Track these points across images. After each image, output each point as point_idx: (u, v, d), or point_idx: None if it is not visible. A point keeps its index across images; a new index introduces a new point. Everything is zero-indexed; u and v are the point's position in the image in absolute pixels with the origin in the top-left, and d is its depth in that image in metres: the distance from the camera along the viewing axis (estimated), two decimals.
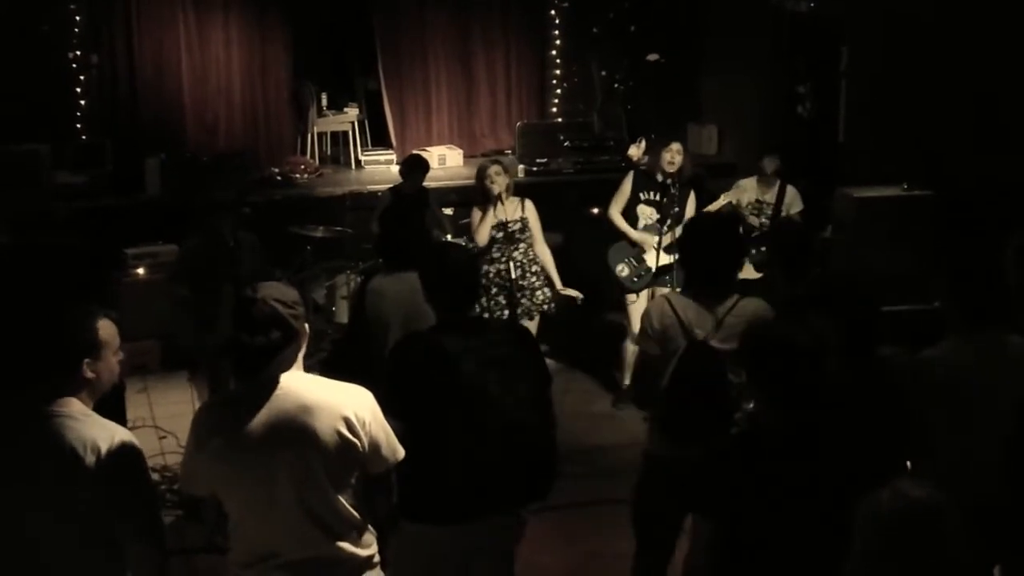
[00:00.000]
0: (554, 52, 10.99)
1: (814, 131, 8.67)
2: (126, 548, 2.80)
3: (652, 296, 6.68)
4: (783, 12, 8.97)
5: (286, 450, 2.83)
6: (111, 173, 8.92)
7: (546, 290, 6.35)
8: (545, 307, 6.34)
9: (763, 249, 6.74)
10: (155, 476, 5.55)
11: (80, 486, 2.71)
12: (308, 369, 3.02)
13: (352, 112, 10.50)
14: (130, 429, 3.16)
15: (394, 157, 10.25)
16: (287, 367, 2.90)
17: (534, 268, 6.33)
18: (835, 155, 8.43)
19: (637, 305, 6.71)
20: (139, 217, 8.40)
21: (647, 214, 6.70)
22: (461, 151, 10.36)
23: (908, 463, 3.50)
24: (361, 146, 10.50)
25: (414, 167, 7.73)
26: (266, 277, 4.06)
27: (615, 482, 5.63)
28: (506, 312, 6.15)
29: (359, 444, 2.90)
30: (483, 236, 6.24)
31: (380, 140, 10.77)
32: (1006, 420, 3.29)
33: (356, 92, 10.81)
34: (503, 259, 6.24)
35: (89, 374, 2.84)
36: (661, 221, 6.57)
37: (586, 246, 7.79)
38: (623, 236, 6.74)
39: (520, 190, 6.69)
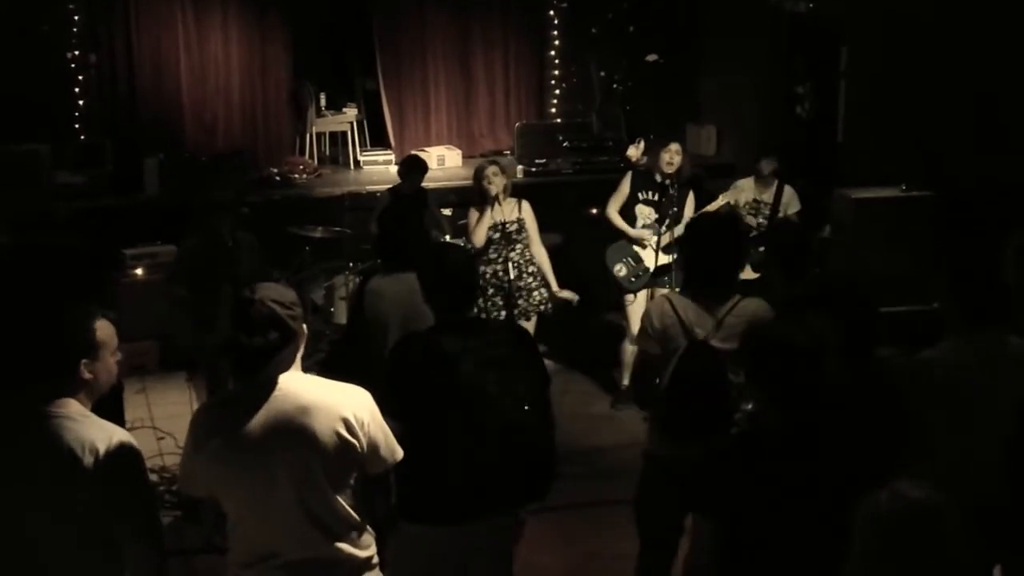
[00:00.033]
0: (553, 52, 10.99)
1: (813, 131, 8.68)
2: (124, 549, 2.79)
3: (651, 296, 6.69)
4: (782, 12, 8.96)
5: (285, 451, 2.83)
6: (110, 173, 8.92)
7: (543, 291, 6.35)
8: (542, 308, 6.34)
9: (761, 249, 6.75)
10: (153, 477, 5.55)
11: (78, 487, 2.71)
12: (307, 370, 3.01)
13: (351, 112, 10.49)
14: (128, 430, 3.15)
15: (393, 157, 10.24)
16: (285, 368, 2.90)
17: (531, 269, 6.33)
18: (834, 155, 8.43)
19: (635, 305, 6.72)
20: (138, 217, 8.40)
21: (645, 214, 6.71)
22: (460, 151, 10.36)
23: (908, 463, 3.50)
24: (360, 146, 10.49)
25: (412, 168, 7.73)
26: (264, 277, 4.06)
27: (614, 483, 5.64)
28: (503, 313, 6.15)
29: (358, 445, 2.90)
30: (480, 237, 6.24)
31: (379, 140, 10.76)
32: (1006, 420, 3.29)
33: (355, 92, 10.79)
34: (500, 260, 6.24)
35: (87, 375, 2.83)
36: (659, 221, 6.58)
37: (585, 246, 7.79)
38: (622, 235, 6.75)
39: (519, 191, 6.69)
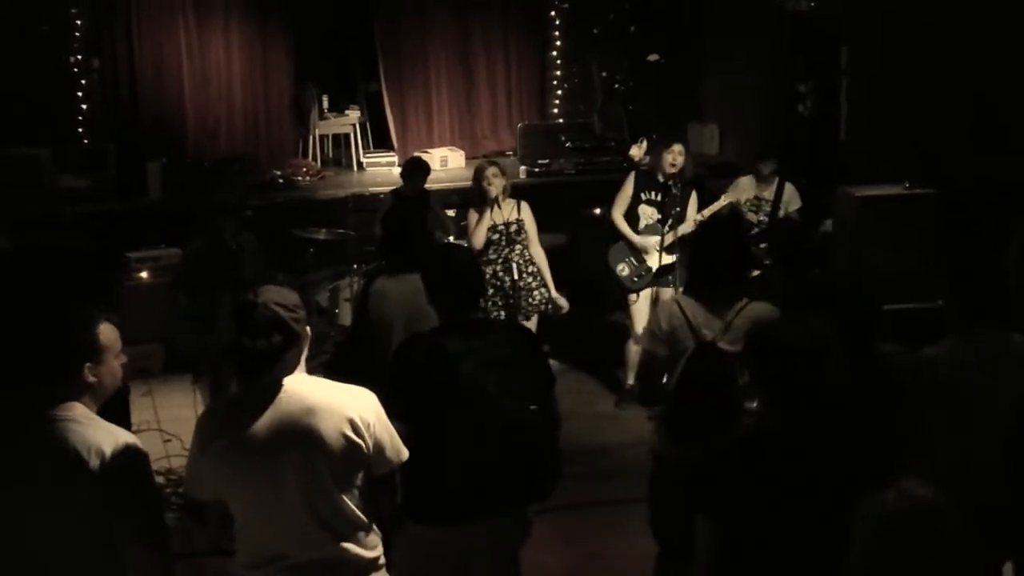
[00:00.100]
0: (555, 53, 11.00)
1: (815, 130, 8.67)
2: (128, 551, 2.79)
3: (655, 296, 6.70)
4: (783, 12, 8.97)
5: (292, 452, 2.84)
6: (114, 177, 8.94)
7: (543, 290, 6.37)
8: (542, 307, 6.35)
9: (762, 246, 6.77)
10: (160, 479, 5.56)
11: (83, 488, 2.72)
12: (311, 371, 3.03)
13: (353, 115, 10.51)
14: (134, 432, 3.16)
15: (396, 159, 10.26)
16: (290, 370, 2.91)
17: (530, 269, 6.35)
18: (836, 154, 8.43)
19: (638, 305, 6.73)
20: (142, 221, 8.41)
21: (648, 214, 6.71)
22: (463, 153, 10.37)
23: (909, 463, 3.50)
24: (363, 149, 10.50)
25: (414, 170, 7.74)
26: (268, 280, 4.07)
27: (616, 483, 5.66)
28: (502, 313, 6.17)
29: (364, 445, 2.91)
30: (479, 238, 6.25)
31: (381, 142, 10.78)
32: (1006, 420, 3.29)
33: (357, 95, 10.81)
34: (499, 260, 6.25)
35: (91, 378, 2.83)
36: (662, 221, 6.58)
37: (588, 247, 7.80)
38: (624, 237, 6.76)
39: (522, 191, 6.71)
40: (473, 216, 6.36)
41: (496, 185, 6.23)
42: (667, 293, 6.55)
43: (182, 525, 5.19)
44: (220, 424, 2.92)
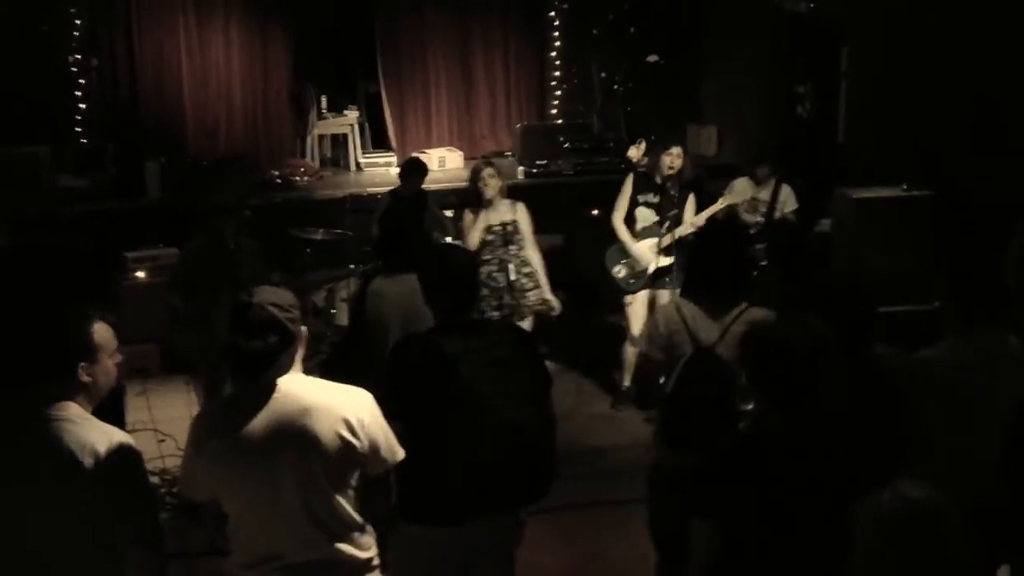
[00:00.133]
0: (554, 53, 10.99)
1: (814, 131, 8.68)
2: (124, 551, 2.79)
3: (651, 298, 6.69)
4: (783, 13, 8.97)
5: (288, 452, 2.84)
6: (112, 177, 8.93)
7: (538, 291, 6.37)
8: (537, 308, 6.35)
9: (759, 246, 6.76)
10: (154, 479, 5.56)
11: (78, 488, 2.71)
12: (308, 371, 3.02)
13: (352, 115, 10.49)
14: (129, 432, 3.15)
15: (394, 160, 10.25)
16: (285, 370, 2.91)
17: (525, 270, 6.34)
18: (835, 155, 8.43)
19: (634, 307, 6.72)
20: (140, 221, 8.41)
21: (645, 216, 6.70)
22: (461, 153, 10.36)
23: (908, 463, 3.50)
24: (361, 149, 10.50)
25: (412, 170, 7.74)
26: (265, 282, 4.06)
27: (614, 483, 5.65)
28: (496, 314, 6.16)
29: (359, 446, 2.90)
30: (474, 239, 6.25)
31: (380, 143, 10.77)
32: (1005, 420, 3.29)
33: (356, 95, 10.80)
34: (494, 261, 6.25)
35: (85, 378, 2.83)
36: (660, 223, 6.58)
37: (586, 248, 7.79)
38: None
39: (520, 191, 6.71)
40: (469, 217, 6.36)
41: (492, 186, 6.23)
42: (664, 295, 6.55)
43: (176, 525, 5.18)
44: (216, 424, 2.92)
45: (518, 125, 10.45)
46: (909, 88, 7.42)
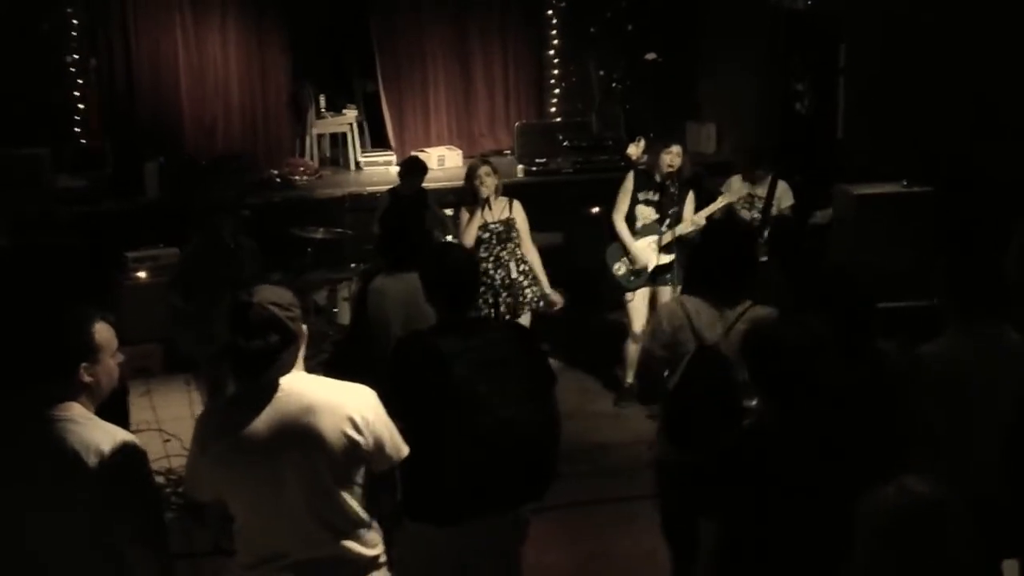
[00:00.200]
0: (552, 52, 10.99)
1: (812, 128, 8.68)
2: (128, 551, 2.79)
3: (652, 295, 6.70)
4: (781, 10, 8.98)
5: (292, 451, 2.84)
6: (111, 176, 8.92)
7: (535, 288, 6.36)
8: (534, 305, 6.35)
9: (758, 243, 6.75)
10: (160, 479, 5.56)
11: (81, 488, 2.71)
12: (310, 370, 3.02)
13: (351, 114, 10.49)
14: (134, 432, 3.15)
15: (393, 158, 10.25)
16: (287, 369, 2.90)
17: (522, 267, 6.34)
18: (833, 152, 8.44)
19: (635, 303, 6.73)
20: (139, 220, 8.39)
21: (645, 214, 6.70)
22: (460, 152, 10.35)
23: (909, 459, 3.50)
24: (360, 148, 10.49)
25: (412, 170, 7.74)
26: (263, 280, 4.05)
27: (618, 481, 5.66)
28: (492, 311, 6.16)
29: (363, 443, 2.90)
30: (470, 237, 6.26)
31: (379, 142, 10.76)
32: (1006, 416, 3.30)
33: (355, 94, 10.80)
34: (491, 259, 6.26)
35: (87, 378, 2.82)
36: (660, 221, 6.58)
37: (585, 245, 7.80)
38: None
39: (519, 190, 6.70)
40: (464, 215, 6.37)
41: (488, 184, 6.23)
42: (665, 292, 6.56)
43: (182, 525, 5.19)
44: (219, 424, 2.92)
45: (517, 123, 10.44)
46: (907, 85, 7.43)
